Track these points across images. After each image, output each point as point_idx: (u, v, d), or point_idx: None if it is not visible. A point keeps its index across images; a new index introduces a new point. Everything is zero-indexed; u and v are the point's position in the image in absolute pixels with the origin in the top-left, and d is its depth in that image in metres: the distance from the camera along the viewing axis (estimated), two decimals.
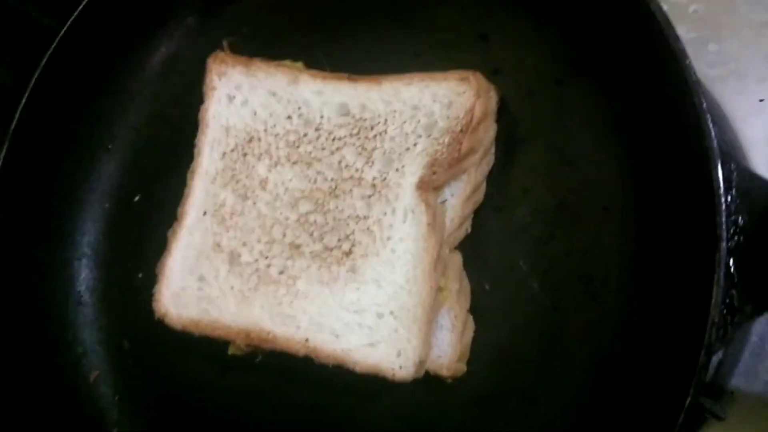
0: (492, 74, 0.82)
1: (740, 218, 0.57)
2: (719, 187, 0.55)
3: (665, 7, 0.87)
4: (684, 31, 0.87)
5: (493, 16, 0.84)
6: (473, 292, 0.80)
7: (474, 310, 0.80)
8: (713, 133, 0.56)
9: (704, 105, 0.57)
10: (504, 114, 0.82)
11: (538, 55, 0.81)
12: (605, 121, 0.77)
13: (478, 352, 0.79)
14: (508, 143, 0.82)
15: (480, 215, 0.82)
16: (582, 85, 0.79)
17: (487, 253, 0.81)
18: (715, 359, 0.80)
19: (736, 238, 0.57)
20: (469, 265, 0.81)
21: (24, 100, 0.88)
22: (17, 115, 0.88)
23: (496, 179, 0.82)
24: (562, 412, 0.75)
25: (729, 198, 0.57)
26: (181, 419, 0.89)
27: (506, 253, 0.80)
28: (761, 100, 0.84)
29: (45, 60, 0.88)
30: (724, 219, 0.54)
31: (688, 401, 0.57)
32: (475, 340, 0.79)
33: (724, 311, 0.55)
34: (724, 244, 0.54)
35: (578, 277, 0.77)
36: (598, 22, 0.74)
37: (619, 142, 0.77)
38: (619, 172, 0.76)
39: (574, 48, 0.78)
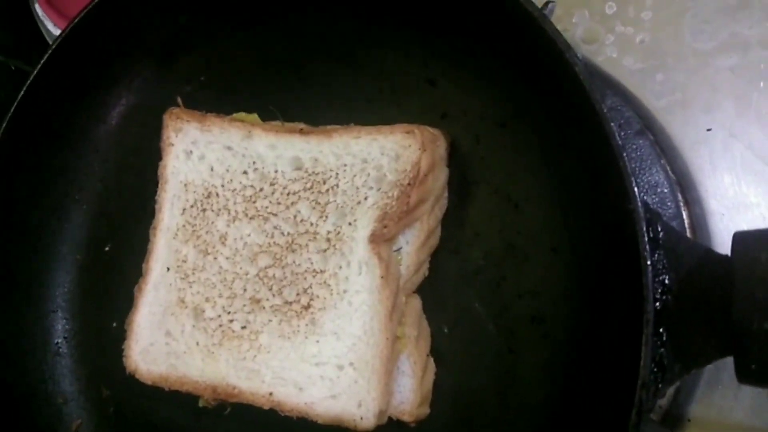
0: (440, 118, 0.86)
1: (667, 278, 0.59)
2: (645, 250, 0.58)
3: (611, 38, 0.91)
4: (631, 62, 0.90)
5: (439, 62, 0.86)
6: (433, 335, 0.84)
7: (435, 352, 0.83)
8: (638, 198, 0.58)
9: (628, 168, 0.59)
10: (455, 157, 0.85)
11: (482, 100, 0.84)
12: (546, 165, 0.80)
13: (440, 393, 0.83)
14: (461, 185, 0.85)
15: (437, 258, 0.85)
16: (524, 129, 0.81)
17: (444, 296, 0.84)
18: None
19: (663, 297, 0.60)
20: (428, 308, 0.84)
21: None
22: None
23: (451, 222, 0.85)
24: None
25: (656, 256, 0.60)
26: None
27: (462, 296, 0.83)
28: (708, 130, 0.86)
29: (9, 114, 0.90)
30: (650, 280, 0.57)
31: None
32: (437, 381, 0.83)
33: (655, 369, 0.58)
34: (650, 306, 0.57)
35: (530, 318, 0.80)
36: (530, 75, 0.76)
37: (558, 188, 0.80)
38: (563, 215, 0.79)
39: (515, 93, 0.81)
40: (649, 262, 0.58)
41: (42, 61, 0.91)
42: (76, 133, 1.00)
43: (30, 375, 0.96)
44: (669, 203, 0.85)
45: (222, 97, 0.94)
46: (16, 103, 0.91)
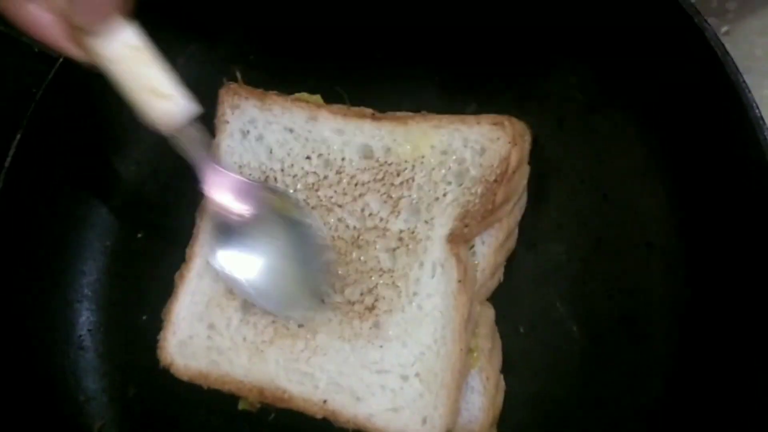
0: (517, 101, 0.82)
1: None
2: None
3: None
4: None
5: (517, 42, 0.82)
6: (507, 337, 0.79)
7: (507, 355, 0.79)
8: None
9: (764, 125, 0.55)
10: (533, 147, 0.81)
11: (567, 82, 0.81)
12: (645, 152, 0.77)
13: (512, 403, 0.78)
14: (540, 175, 0.81)
15: (512, 253, 0.81)
16: (617, 113, 0.78)
17: (520, 294, 0.80)
18: None
19: None
20: (501, 307, 0.80)
21: (19, 134, 0.86)
22: (13, 147, 0.87)
23: (527, 214, 0.81)
24: None
25: None
26: None
27: (541, 295, 0.80)
28: None
29: (39, 93, 0.87)
30: None
31: None
32: (508, 390, 0.79)
33: None
34: None
35: (620, 319, 0.76)
36: (641, 51, 0.73)
37: (661, 175, 0.76)
38: (662, 206, 0.76)
39: (610, 75, 0.78)
40: None
41: None
42: (113, 112, 0.96)
43: (50, 369, 0.92)
44: None
45: (274, 78, 0.90)
46: (46, 83, 0.87)
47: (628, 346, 0.75)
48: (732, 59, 0.62)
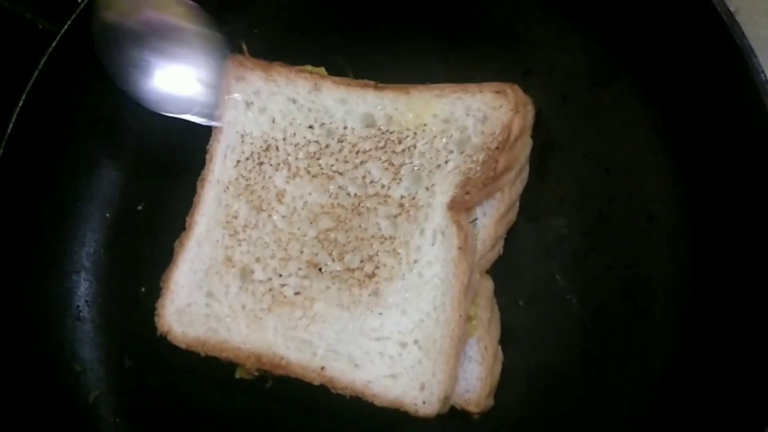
0: (522, 76, 0.82)
1: None
2: None
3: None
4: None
5: (524, 16, 0.84)
6: (506, 310, 0.80)
7: (506, 328, 0.80)
8: None
9: None
10: (536, 121, 0.81)
11: (572, 57, 0.81)
12: (648, 127, 0.77)
13: (511, 376, 0.79)
14: (543, 149, 0.81)
15: (513, 226, 0.82)
16: (621, 88, 0.79)
17: (521, 267, 0.81)
18: None
19: None
20: (501, 279, 0.80)
21: (19, 106, 0.87)
22: (13, 120, 0.87)
23: (530, 188, 0.82)
24: None
25: None
26: None
27: (542, 267, 0.80)
28: None
29: (43, 62, 0.87)
30: None
31: None
32: (507, 362, 0.79)
33: None
34: None
35: (621, 292, 0.76)
36: (647, 24, 0.74)
37: (665, 148, 0.77)
38: (663, 179, 0.76)
39: (614, 49, 0.78)
40: None
41: (77, 11, 0.87)
42: (112, 85, 0.97)
43: (47, 339, 0.93)
44: None
45: (278, 54, 0.90)
46: (47, 55, 0.88)
47: (628, 319, 0.76)
48: (740, 27, 0.63)
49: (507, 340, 0.79)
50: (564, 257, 0.79)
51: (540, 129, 0.81)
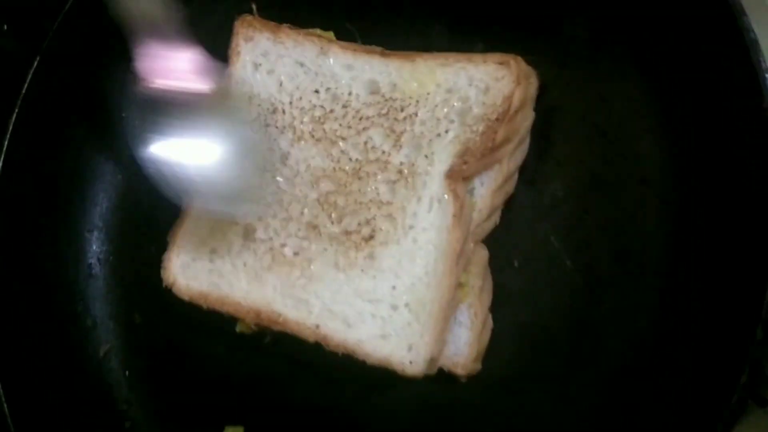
0: (523, 42, 0.84)
1: None
2: None
3: None
4: None
5: None
6: (501, 270, 0.83)
7: (501, 288, 0.83)
8: None
9: (763, 65, 0.58)
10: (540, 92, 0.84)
11: (570, 22, 0.83)
12: (643, 91, 0.80)
13: (502, 333, 0.82)
14: (541, 113, 0.84)
15: None
16: (617, 52, 0.81)
17: (516, 229, 0.84)
18: None
19: None
20: (497, 241, 0.84)
21: (35, 65, 0.91)
22: (27, 81, 0.91)
23: (529, 151, 0.84)
24: (595, 401, 0.78)
25: None
26: (188, 397, 0.94)
27: (537, 229, 0.83)
28: None
29: (54, 28, 0.91)
30: None
31: (734, 398, 0.60)
32: (499, 323, 0.82)
33: None
34: None
35: (614, 253, 0.79)
36: None
37: (658, 112, 0.79)
38: (657, 143, 0.79)
39: (608, 12, 0.80)
40: None
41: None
42: (126, 46, 1.00)
43: (60, 293, 0.98)
44: None
45: (289, 14, 0.93)
46: (57, 24, 0.91)
47: (619, 279, 0.79)
48: None
49: (501, 299, 0.83)
50: (559, 219, 0.82)
51: (540, 92, 0.83)
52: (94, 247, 1.01)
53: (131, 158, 0.99)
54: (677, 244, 0.76)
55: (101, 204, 1.02)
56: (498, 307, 0.82)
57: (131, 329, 0.98)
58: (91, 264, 1.01)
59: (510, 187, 0.83)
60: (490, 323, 0.81)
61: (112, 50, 0.96)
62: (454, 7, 0.89)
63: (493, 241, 0.83)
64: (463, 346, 0.79)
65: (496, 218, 0.83)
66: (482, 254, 0.82)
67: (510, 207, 0.84)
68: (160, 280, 0.91)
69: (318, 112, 0.85)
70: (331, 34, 0.90)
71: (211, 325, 0.89)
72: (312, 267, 0.82)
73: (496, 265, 0.83)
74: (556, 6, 0.84)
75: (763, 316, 0.63)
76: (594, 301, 0.79)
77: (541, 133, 0.83)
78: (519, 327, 0.82)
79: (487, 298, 0.81)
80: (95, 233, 1.01)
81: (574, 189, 0.82)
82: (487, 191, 0.81)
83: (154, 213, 0.99)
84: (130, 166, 1.00)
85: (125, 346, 0.98)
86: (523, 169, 0.83)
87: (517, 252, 0.83)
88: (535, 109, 0.82)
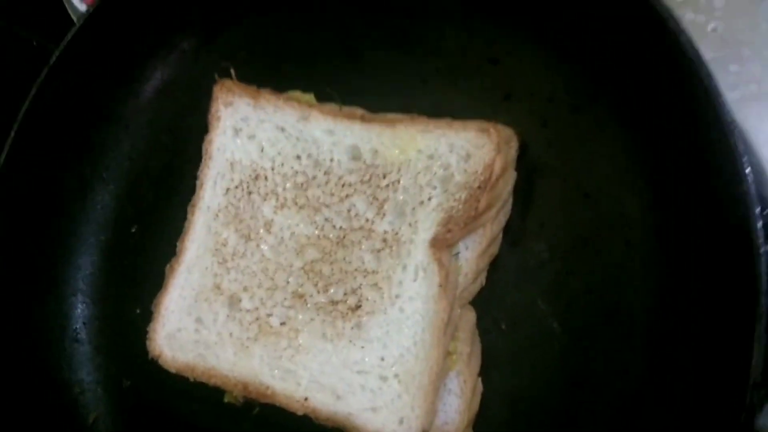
0: (503, 100, 0.86)
1: None
2: (758, 238, 0.57)
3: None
4: (703, 52, 0.88)
5: (504, 40, 0.86)
6: (488, 333, 0.84)
7: (489, 352, 0.83)
8: (750, 178, 0.58)
9: (741, 148, 0.59)
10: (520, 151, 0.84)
11: (552, 81, 0.84)
12: (626, 152, 0.80)
13: (493, 399, 0.82)
14: (523, 173, 0.84)
15: None
16: (601, 113, 0.81)
17: (503, 291, 0.84)
18: None
19: None
20: (483, 303, 0.84)
21: (14, 131, 0.91)
22: (8, 144, 0.91)
23: (511, 212, 0.85)
24: None
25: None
26: None
27: (523, 291, 0.84)
28: None
29: (35, 88, 0.91)
30: (764, 270, 0.57)
31: None
32: (489, 387, 0.83)
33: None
34: (764, 299, 0.56)
35: (601, 315, 0.80)
36: (623, 52, 0.76)
37: (642, 175, 0.80)
38: (641, 206, 0.79)
39: (593, 75, 0.81)
40: (763, 250, 0.57)
41: (68, 37, 0.91)
42: (105, 108, 1.01)
43: (45, 361, 0.98)
44: None
45: (265, 75, 0.93)
46: (42, 76, 0.91)
47: (607, 340, 0.79)
48: (706, 65, 0.65)
49: (489, 362, 0.83)
50: (545, 281, 0.83)
51: (522, 152, 0.84)
52: (79, 311, 1.01)
53: (112, 221, 1.01)
54: (663, 304, 0.77)
55: (84, 267, 1.01)
56: (487, 370, 0.83)
57: (119, 395, 0.98)
58: (76, 329, 1.00)
59: (495, 249, 0.83)
60: (479, 388, 0.82)
61: (91, 114, 0.99)
62: (432, 66, 0.89)
63: (479, 302, 0.83)
64: (454, 414, 0.79)
65: (482, 279, 0.84)
66: (469, 317, 0.83)
67: (495, 268, 0.84)
68: (145, 342, 0.90)
69: (300, 179, 0.85)
70: (311, 96, 0.90)
71: (199, 391, 0.89)
72: (299, 337, 0.82)
73: (484, 328, 0.83)
74: (533, 65, 0.84)
75: (752, 378, 0.63)
76: (582, 364, 0.79)
77: (524, 192, 0.83)
78: (509, 390, 0.82)
79: (476, 364, 0.81)
80: (79, 297, 1.01)
81: (559, 251, 0.82)
82: (472, 255, 0.81)
83: (136, 275, 0.99)
84: (111, 229, 1.01)
85: (114, 412, 0.98)
86: (507, 230, 0.84)
87: (504, 314, 0.83)
88: (517, 169, 0.82)
